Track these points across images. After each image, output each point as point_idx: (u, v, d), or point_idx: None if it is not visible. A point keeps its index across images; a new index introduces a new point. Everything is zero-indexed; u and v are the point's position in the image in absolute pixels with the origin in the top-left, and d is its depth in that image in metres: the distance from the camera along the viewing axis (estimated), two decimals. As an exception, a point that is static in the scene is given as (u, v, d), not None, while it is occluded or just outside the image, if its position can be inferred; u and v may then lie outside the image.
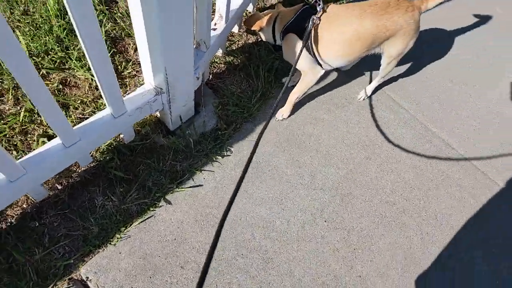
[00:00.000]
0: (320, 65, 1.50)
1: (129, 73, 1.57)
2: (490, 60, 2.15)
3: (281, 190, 1.51)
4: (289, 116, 1.69)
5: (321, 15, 1.36)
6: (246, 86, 1.72)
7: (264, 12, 1.56)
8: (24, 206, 1.25)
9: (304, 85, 1.56)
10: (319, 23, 1.36)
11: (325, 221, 1.48)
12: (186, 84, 1.31)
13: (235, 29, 1.80)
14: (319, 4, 1.36)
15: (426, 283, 1.41)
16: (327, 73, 1.88)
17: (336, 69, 1.90)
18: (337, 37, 1.38)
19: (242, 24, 1.70)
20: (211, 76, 1.69)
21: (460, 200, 1.63)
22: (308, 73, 1.52)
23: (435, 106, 1.89)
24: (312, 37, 1.39)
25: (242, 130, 1.62)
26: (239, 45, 1.83)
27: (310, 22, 1.35)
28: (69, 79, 1.50)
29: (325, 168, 1.61)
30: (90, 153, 1.25)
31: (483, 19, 2.30)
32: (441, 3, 1.47)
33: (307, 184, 1.55)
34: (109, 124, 1.18)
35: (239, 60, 1.77)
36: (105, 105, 1.33)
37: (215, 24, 1.47)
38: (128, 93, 1.25)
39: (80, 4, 0.77)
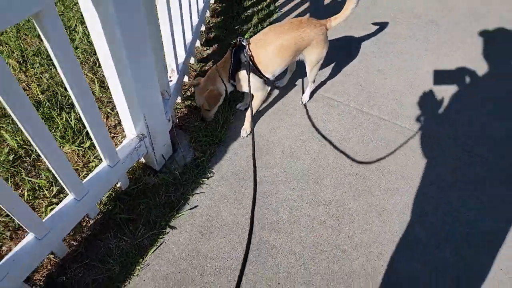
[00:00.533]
0: (266, 82, 1.87)
1: (108, 136, 1.83)
2: (393, 51, 2.69)
3: (263, 190, 1.78)
4: (251, 131, 2.01)
5: (249, 47, 1.76)
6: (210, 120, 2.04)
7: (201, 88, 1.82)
8: (49, 267, 1.40)
9: (257, 102, 1.92)
10: (250, 53, 1.75)
11: (307, 203, 1.76)
12: (162, 126, 1.60)
13: (186, 79, 2.16)
14: (242, 40, 1.76)
15: (399, 226, 1.70)
16: (271, 92, 2.27)
17: (277, 87, 2.30)
18: (270, 55, 1.76)
19: (202, 116, 1.93)
20: (177, 120, 1.99)
21: (405, 155, 2.00)
22: (258, 93, 1.88)
23: (362, 94, 2.33)
24: (252, 64, 1.77)
25: (217, 153, 1.90)
26: (191, 91, 2.18)
27: (245, 56, 1.73)
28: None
29: (293, 163, 1.91)
30: (96, 204, 1.45)
31: (382, 25, 2.89)
32: (340, 23, 1.93)
33: (283, 179, 1.84)
34: (108, 173, 1.42)
35: (195, 102, 2.11)
36: (95, 166, 1.56)
37: (170, 77, 1.81)
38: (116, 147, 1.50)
39: (84, 94, 1.07)
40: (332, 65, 2.49)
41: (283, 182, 1.82)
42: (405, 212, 1.76)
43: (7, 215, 1.49)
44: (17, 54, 2.17)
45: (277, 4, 3.03)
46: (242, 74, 1.78)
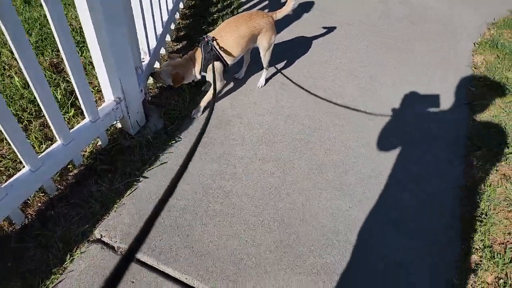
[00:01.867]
0: (224, 73, 2.25)
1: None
2: (338, 47, 3.18)
3: (223, 151, 2.13)
4: (202, 114, 2.32)
5: (213, 41, 2.14)
6: (178, 97, 2.39)
7: (172, 63, 2.16)
8: (39, 204, 1.67)
9: (215, 91, 2.27)
10: (218, 46, 2.12)
11: (259, 159, 2.12)
12: (135, 94, 1.94)
13: (157, 65, 2.52)
14: (209, 38, 2.13)
15: (334, 176, 2.09)
16: (230, 82, 2.67)
17: (236, 78, 2.69)
18: (231, 44, 2.16)
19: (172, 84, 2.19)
20: (150, 98, 2.33)
21: (342, 126, 2.42)
22: (218, 82, 2.26)
23: (309, 80, 2.77)
24: (221, 54, 2.16)
25: (184, 124, 2.25)
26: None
27: (214, 49, 2.11)
28: (45, 123, 2.02)
29: (249, 131, 2.29)
30: (80, 153, 1.75)
31: (330, 28, 3.40)
32: (285, 15, 2.38)
33: (240, 143, 2.20)
34: (90, 127, 1.73)
35: (166, 84, 2.47)
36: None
37: (142, 58, 2.17)
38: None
39: (74, 58, 1.41)
40: (287, 58, 2.94)
41: (240, 145, 2.19)
42: (339, 165, 2.15)
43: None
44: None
45: (240, 10, 3.50)
46: (212, 66, 2.15)
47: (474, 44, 3.48)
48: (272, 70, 2.76)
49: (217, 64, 2.17)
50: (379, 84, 2.82)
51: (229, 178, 1.99)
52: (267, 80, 2.66)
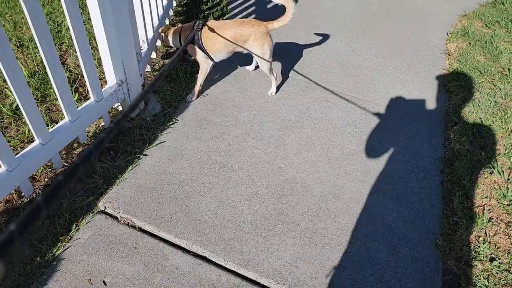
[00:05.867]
0: (211, 59, 2.39)
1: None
2: (325, 50, 3.37)
3: (218, 131, 2.27)
4: (196, 98, 2.47)
5: (201, 28, 2.28)
6: (174, 84, 2.53)
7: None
8: (46, 179, 1.78)
9: (202, 71, 2.42)
10: (200, 34, 2.28)
11: (252, 138, 2.26)
12: (136, 77, 2.07)
13: (154, 55, 2.66)
14: (200, 24, 2.28)
15: (322, 151, 2.25)
16: (221, 66, 2.82)
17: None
18: (215, 41, 2.28)
19: (161, 33, 2.50)
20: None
21: (327, 107, 2.58)
22: (203, 64, 2.40)
23: (296, 67, 2.94)
24: (203, 42, 2.30)
25: (180, 107, 2.38)
26: (160, 64, 2.68)
27: (198, 36, 2.26)
28: (51, 108, 2.13)
29: (241, 112, 2.43)
30: (85, 130, 1.87)
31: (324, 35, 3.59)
32: (283, 26, 2.34)
33: (233, 123, 2.34)
34: (95, 107, 1.86)
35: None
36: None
37: (141, 47, 2.31)
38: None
39: (84, 44, 1.54)
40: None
41: (233, 126, 2.33)
42: (326, 142, 2.30)
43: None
44: (14, 40, 2.59)
45: (228, 7, 3.66)
46: (192, 46, 2.32)
47: (448, 33, 3.70)
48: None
49: (199, 51, 2.32)
50: (362, 70, 3.00)
51: (224, 154, 2.13)
52: (278, 88, 2.66)
